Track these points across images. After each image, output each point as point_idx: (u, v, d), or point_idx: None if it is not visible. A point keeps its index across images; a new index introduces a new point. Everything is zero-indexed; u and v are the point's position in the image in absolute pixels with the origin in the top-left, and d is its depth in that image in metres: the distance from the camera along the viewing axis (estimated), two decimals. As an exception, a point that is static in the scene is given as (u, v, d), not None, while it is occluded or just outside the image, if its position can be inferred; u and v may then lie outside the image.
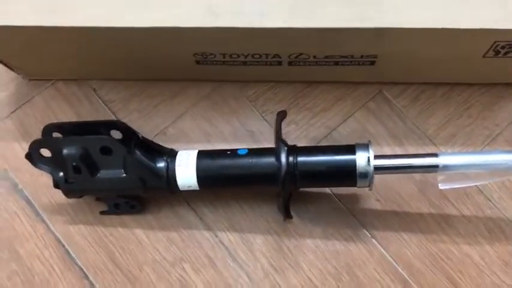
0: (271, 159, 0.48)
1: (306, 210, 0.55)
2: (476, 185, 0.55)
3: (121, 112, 0.59)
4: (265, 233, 0.55)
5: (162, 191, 0.51)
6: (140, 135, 0.50)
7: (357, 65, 0.53)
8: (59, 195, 0.52)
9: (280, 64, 0.54)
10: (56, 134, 0.50)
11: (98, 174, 0.49)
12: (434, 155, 0.47)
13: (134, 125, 0.56)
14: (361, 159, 0.47)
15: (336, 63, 0.53)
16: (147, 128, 0.58)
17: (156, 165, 0.49)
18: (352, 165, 0.46)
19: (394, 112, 0.58)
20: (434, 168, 0.47)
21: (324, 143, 0.57)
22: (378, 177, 0.48)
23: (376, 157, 0.47)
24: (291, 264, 0.53)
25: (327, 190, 0.56)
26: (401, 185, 0.55)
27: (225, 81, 0.60)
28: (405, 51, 0.51)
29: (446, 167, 0.46)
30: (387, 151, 0.57)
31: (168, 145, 0.53)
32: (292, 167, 0.47)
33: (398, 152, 0.57)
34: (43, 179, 0.56)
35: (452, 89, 0.59)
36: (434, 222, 0.54)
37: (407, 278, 0.53)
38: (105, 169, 0.49)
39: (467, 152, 0.47)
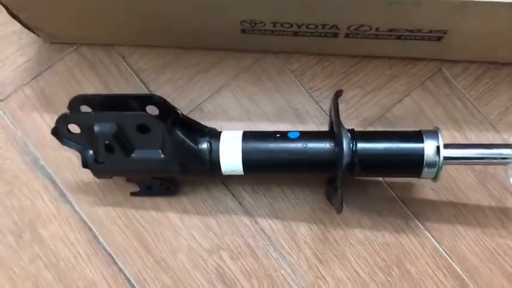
0: (328, 145, 0.43)
1: (354, 198, 0.51)
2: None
3: (153, 83, 0.54)
4: (310, 221, 0.51)
5: (202, 175, 0.47)
6: (180, 112, 0.45)
7: (422, 40, 0.48)
8: (85, 173, 0.48)
9: (336, 36, 0.48)
10: (84, 108, 0.45)
11: (133, 154, 0.45)
12: (509, 146, 0.43)
13: (167, 99, 0.52)
14: (430, 148, 0.42)
15: (399, 37, 0.48)
16: (181, 102, 0.53)
17: (197, 146, 0.45)
18: (420, 154, 0.42)
19: (453, 93, 0.54)
20: (507, 160, 0.42)
21: (377, 125, 0.53)
22: None
23: (446, 146, 0.43)
24: (337, 255, 0.50)
25: (379, 178, 0.51)
26: (459, 174, 0.51)
27: (266, 52, 0.54)
28: (480, 26, 0.45)
29: None
30: (445, 135, 0.52)
31: (204, 123, 0.48)
32: (351, 155, 0.43)
33: (458, 137, 0.52)
34: (67, 154, 0.52)
35: (518, 69, 0.54)
36: (493, 216, 0.51)
37: (461, 273, 0.49)
38: (140, 148, 0.45)
39: None
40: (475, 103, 0.53)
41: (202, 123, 0.48)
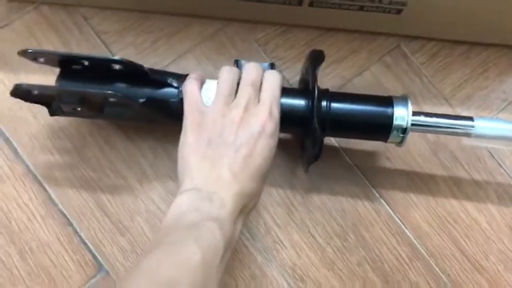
0: (302, 102, 0.45)
1: (313, 166, 0.53)
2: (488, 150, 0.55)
3: (115, 45, 0.54)
4: (270, 187, 0.52)
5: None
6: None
7: (383, 13, 0.51)
8: (41, 132, 0.48)
9: (301, 4, 0.51)
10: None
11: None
12: (470, 118, 0.46)
13: None
14: (399, 112, 0.45)
15: (361, 8, 0.51)
16: (144, 65, 0.53)
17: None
18: (389, 118, 0.45)
19: (411, 68, 0.57)
20: (469, 129, 0.46)
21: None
22: None
23: (414, 113, 0.45)
24: (295, 221, 0.52)
25: (336, 146, 0.54)
26: (413, 144, 0.55)
27: (231, 21, 0.56)
28: (439, 1, 0.48)
29: (480, 133, 0.46)
30: (402, 109, 0.55)
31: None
32: (325, 113, 0.45)
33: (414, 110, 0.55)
34: (23, 113, 0.51)
35: (471, 49, 0.58)
36: (445, 185, 0.54)
37: (413, 240, 0.52)
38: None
39: (503, 120, 0.46)
40: (431, 79, 0.57)
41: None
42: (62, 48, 0.54)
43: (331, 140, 0.54)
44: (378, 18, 0.52)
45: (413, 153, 0.54)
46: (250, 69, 0.43)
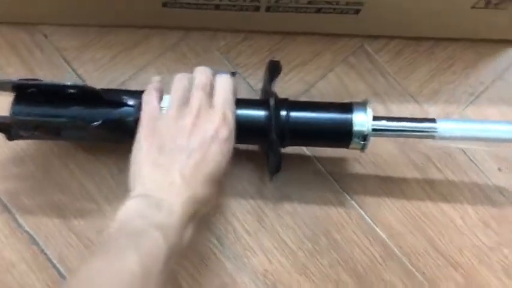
0: (261, 113, 0.45)
1: (284, 173, 0.53)
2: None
3: (75, 62, 0.55)
4: (238, 195, 0.52)
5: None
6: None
7: (341, 14, 0.51)
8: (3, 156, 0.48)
9: (258, 10, 0.51)
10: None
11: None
12: (433, 120, 0.46)
13: (90, 77, 0.53)
14: (359, 119, 0.44)
15: (318, 11, 0.51)
16: (104, 80, 0.54)
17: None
18: (349, 124, 0.44)
19: (375, 67, 0.57)
20: (432, 133, 0.45)
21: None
22: None
23: (374, 118, 0.45)
24: (265, 227, 0.52)
25: (307, 152, 0.54)
26: (383, 147, 0.54)
27: (192, 30, 0.56)
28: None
29: (444, 135, 0.45)
30: (368, 108, 0.55)
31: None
32: (283, 122, 0.44)
33: (380, 110, 0.55)
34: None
35: (436, 44, 0.58)
36: (417, 185, 0.54)
37: (386, 240, 0.52)
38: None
39: (466, 120, 0.46)
40: (395, 76, 0.57)
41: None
42: (23, 67, 0.54)
43: (301, 147, 0.54)
44: (337, 19, 0.52)
45: (384, 156, 0.54)
46: (199, 74, 0.44)
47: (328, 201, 0.53)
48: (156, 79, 0.46)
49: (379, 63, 0.57)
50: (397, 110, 0.55)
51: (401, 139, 0.54)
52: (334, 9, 0.51)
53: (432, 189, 0.54)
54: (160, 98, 0.45)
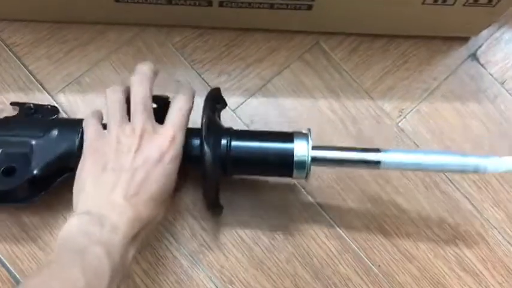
0: (197, 141, 0.45)
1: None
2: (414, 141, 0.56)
3: (27, 57, 0.54)
4: (194, 191, 0.52)
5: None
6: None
7: (293, 10, 0.52)
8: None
9: (211, 5, 0.51)
10: None
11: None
12: (377, 150, 0.46)
13: (43, 73, 0.53)
14: (299, 149, 0.45)
15: (271, 6, 0.52)
16: (58, 76, 0.54)
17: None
18: (290, 154, 0.45)
19: (331, 64, 0.58)
20: (376, 164, 0.45)
21: (258, 96, 0.56)
22: (313, 128, 0.47)
23: (315, 147, 0.46)
24: (221, 223, 0.52)
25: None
26: (337, 139, 0.56)
27: (148, 26, 0.56)
28: (342, -6, 0.50)
29: (389, 164, 0.45)
30: (323, 104, 0.57)
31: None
32: (223, 151, 0.45)
33: (336, 106, 0.56)
34: None
35: (390, 41, 0.59)
36: (371, 178, 0.55)
37: (342, 234, 0.53)
38: None
39: (411, 151, 0.48)
40: (351, 73, 0.58)
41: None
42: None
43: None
44: (291, 15, 0.53)
45: (337, 147, 0.55)
46: (137, 86, 0.43)
47: (284, 196, 0.53)
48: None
49: (334, 60, 0.58)
50: (352, 107, 0.57)
51: (354, 132, 0.55)
52: (287, 5, 0.52)
53: (386, 182, 0.55)
54: (101, 119, 0.45)
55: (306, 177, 0.46)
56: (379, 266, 0.52)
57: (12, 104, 0.51)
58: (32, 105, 0.50)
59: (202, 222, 0.52)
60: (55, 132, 0.46)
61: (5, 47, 0.54)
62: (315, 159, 0.45)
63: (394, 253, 0.53)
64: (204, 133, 0.43)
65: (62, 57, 0.55)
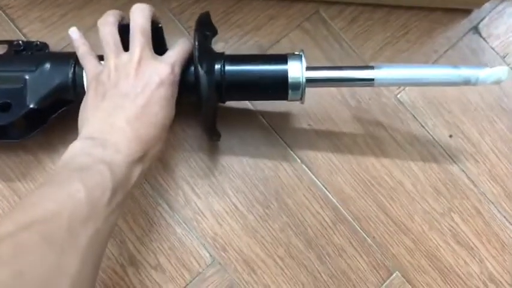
0: (191, 68, 0.45)
1: (233, 135, 0.53)
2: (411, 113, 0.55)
3: (20, 20, 0.54)
4: (189, 159, 0.52)
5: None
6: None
7: (293, -25, 0.51)
8: None
9: (208, -32, 0.50)
10: None
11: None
12: (370, 67, 0.46)
13: (37, 36, 0.52)
14: (293, 69, 0.45)
15: (270, -29, 0.51)
16: (52, 40, 0.53)
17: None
18: (284, 76, 0.45)
19: (330, 34, 0.57)
20: (370, 81, 0.46)
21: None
22: (310, 101, 0.49)
23: (309, 68, 0.46)
24: (216, 190, 0.52)
25: (259, 117, 0.54)
26: (335, 110, 0.55)
27: (144, -9, 0.55)
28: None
29: (382, 81, 0.46)
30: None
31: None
32: (217, 76, 0.44)
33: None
34: None
35: (391, 12, 0.59)
36: (368, 149, 0.54)
37: (337, 204, 0.53)
38: None
39: (403, 65, 0.47)
40: (350, 43, 0.57)
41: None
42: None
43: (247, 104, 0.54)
44: (290, -18, 0.53)
45: (335, 120, 0.55)
46: (137, 14, 0.44)
47: (278, 164, 0.54)
48: (74, 34, 0.46)
49: (334, 29, 0.57)
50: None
51: (352, 103, 0.55)
52: (287, -31, 0.51)
53: (382, 152, 0.54)
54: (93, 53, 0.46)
55: (301, 98, 0.46)
56: (374, 237, 0.52)
57: (0, 41, 0.50)
58: (21, 42, 0.49)
59: (197, 189, 0.52)
60: (48, 66, 0.46)
61: (-2, 9, 0.54)
62: (309, 80, 0.46)
63: (389, 225, 0.53)
64: (197, 58, 0.43)
65: (56, 21, 0.54)
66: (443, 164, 0.55)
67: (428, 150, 0.55)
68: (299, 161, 0.53)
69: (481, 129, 0.56)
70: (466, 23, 0.59)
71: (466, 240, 0.53)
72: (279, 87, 0.46)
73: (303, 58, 0.46)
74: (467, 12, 0.60)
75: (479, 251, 0.53)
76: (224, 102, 0.48)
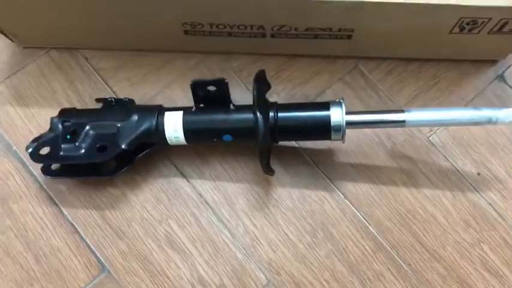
0: (251, 115, 0.54)
1: (285, 175, 0.62)
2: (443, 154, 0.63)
3: (111, 80, 0.65)
4: (247, 193, 0.61)
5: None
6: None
7: (335, 39, 0.61)
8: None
9: (264, 36, 0.60)
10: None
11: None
12: (401, 110, 0.55)
13: (124, 93, 0.63)
14: (335, 114, 0.54)
15: (316, 36, 0.60)
16: (136, 95, 0.64)
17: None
18: (327, 119, 0.54)
19: (368, 85, 0.66)
20: (401, 123, 0.54)
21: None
22: (351, 144, 0.59)
23: (349, 113, 0.55)
24: (270, 222, 0.60)
25: (307, 157, 0.62)
26: (372, 150, 0.63)
27: (210, 54, 0.66)
28: (378, 25, 0.58)
29: (412, 122, 0.54)
30: (361, 120, 0.64)
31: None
32: (271, 121, 0.54)
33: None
34: (36, 141, 0.62)
35: (423, 65, 0.66)
36: (403, 185, 0.62)
37: (376, 234, 0.60)
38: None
39: (430, 109, 0.55)
40: (387, 93, 0.65)
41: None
42: (66, 83, 0.65)
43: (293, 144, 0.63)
44: (333, 43, 0.62)
45: (373, 159, 0.63)
46: None
47: (324, 198, 0.61)
48: None
49: (372, 81, 0.66)
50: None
51: (388, 144, 0.63)
52: (329, 35, 0.60)
53: (417, 189, 0.61)
54: None
55: (342, 138, 0.55)
56: (409, 264, 0.59)
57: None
58: (113, 99, 0.62)
59: (254, 220, 0.60)
60: (135, 116, 0.56)
61: (94, 71, 0.66)
62: (349, 123, 0.54)
63: (423, 253, 0.59)
64: (256, 108, 0.53)
65: (139, 80, 0.65)
66: (472, 198, 0.61)
67: (458, 186, 0.62)
68: (342, 196, 0.61)
69: (507, 167, 0.62)
70: (492, 72, 0.66)
71: (495, 268, 0.59)
72: (323, 129, 0.54)
73: (343, 104, 0.54)
74: (493, 62, 0.67)
75: (509, 279, 0.58)
76: (277, 142, 0.58)
